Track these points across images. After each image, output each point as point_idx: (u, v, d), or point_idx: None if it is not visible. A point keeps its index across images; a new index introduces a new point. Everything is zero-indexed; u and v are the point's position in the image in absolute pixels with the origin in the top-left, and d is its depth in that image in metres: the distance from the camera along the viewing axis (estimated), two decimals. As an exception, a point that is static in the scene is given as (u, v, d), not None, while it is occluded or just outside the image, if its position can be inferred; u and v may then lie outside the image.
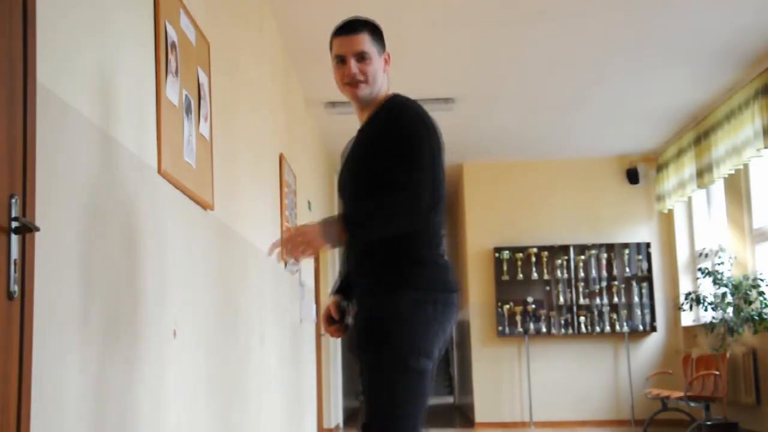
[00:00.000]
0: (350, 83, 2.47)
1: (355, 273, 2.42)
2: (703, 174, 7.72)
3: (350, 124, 9.10)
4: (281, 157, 5.34)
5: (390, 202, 2.24)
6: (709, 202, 8.48)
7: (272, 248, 2.29)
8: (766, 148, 6.30)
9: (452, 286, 2.35)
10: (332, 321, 2.52)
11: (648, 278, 9.26)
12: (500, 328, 9.28)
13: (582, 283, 9.30)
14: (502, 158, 9.42)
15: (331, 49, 2.53)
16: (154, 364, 2.48)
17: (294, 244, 2.21)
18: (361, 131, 2.49)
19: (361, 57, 2.46)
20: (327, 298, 2.94)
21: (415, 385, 2.23)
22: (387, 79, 2.51)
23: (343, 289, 2.53)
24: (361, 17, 2.53)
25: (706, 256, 8.27)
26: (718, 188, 8.01)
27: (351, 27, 2.49)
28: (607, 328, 9.20)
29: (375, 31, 2.50)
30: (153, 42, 2.58)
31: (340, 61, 2.50)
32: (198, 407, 2.98)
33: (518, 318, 9.27)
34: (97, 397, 2.00)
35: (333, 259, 9.02)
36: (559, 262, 9.32)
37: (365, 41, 2.47)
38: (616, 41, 5.97)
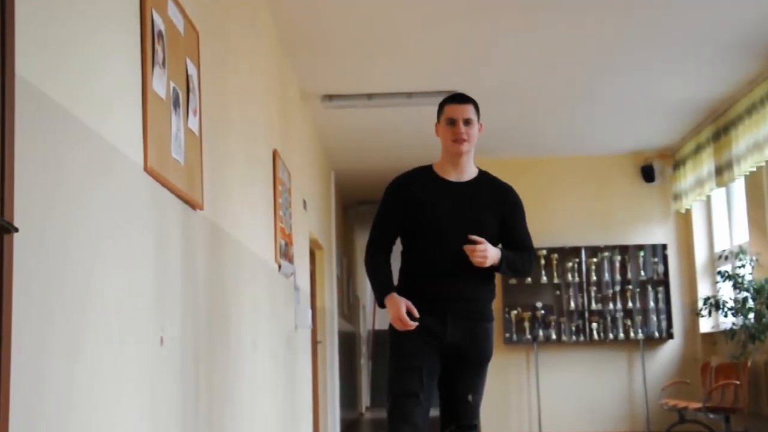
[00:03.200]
0: (457, 140, 3.50)
1: (467, 300, 3.49)
2: (722, 171, 7.73)
3: (348, 118, 9.11)
4: (275, 153, 5.35)
5: (530, 259, 3.60)
6: (729, 201, 8.49)
7: (473, 238, 3.41)
8: (789, 143, 6.30)
9: None
10: (411, 316, 3.41)
11: (664, 282, 9.27)
12: (507, 335, 9.28)
13: (594, 288, 9.31)
14: (508, 155, 9.42)
15: (441, 113, 3.59)
16: (140, 372, 2.48)
17: (481, 253, 3.38)
18: (471, 186, 3.57)
19: (467, 122, 3.53)
20: (392, 298, 3.48)
21: None
22: None
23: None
24: (467, 94, 3.65)
25: (726, 258, 8.28)
26: (738, 186, 8.01)
27: (464, 98, 3.61)
28: (621, 335, 9.21)
29: (477, 106, 3.61)
30: (139, 31, 2.59)
31: (451, 123, 3.53)
32: (187, 417, 2.99)
33: (526, 324, 9.28)
34: (77, 406, 2.00)
35: (330, 262, 9.03)
36: (570, 264, 9.33)
37: (471, 110, 3.56)
38: (630, 29, 5.97)
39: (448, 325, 3.43)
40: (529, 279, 9.27)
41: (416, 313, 3.42)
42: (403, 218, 3.55)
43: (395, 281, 3.57)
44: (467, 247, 3.39)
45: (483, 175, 3.63)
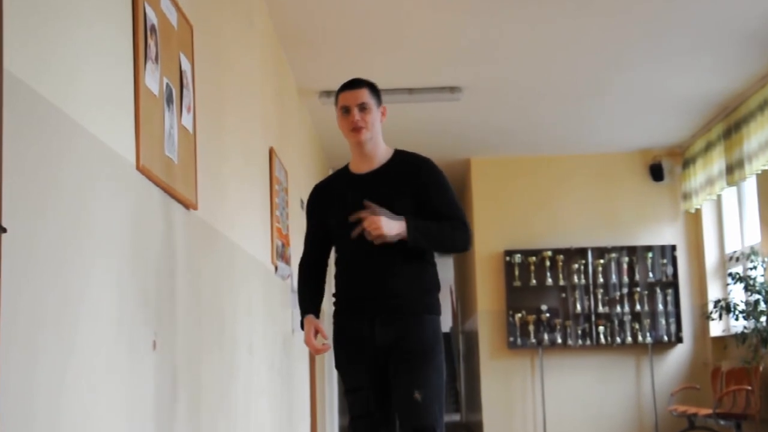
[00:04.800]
0: (354, 129, 3.29)
1: (394, 296, 3.26)
2: (733, 170, 7.73)
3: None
4: (271, 151, 5.35)
5: (456, 228, 3.27)
6: (740, 200, 8.49)
7: (355, 217, 3.17)
8: (802, 141, 6.31)
9: None
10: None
11: (673, 284, 9.27)
12: (511, 338, 9.29)
13: (601, 290, 9.31)
14: (513, 153, 9.42)
15: (336, 102, 3.36)
16: (132, 377, 2.48)
17: (371, 224, 3.13)
18: (377, 174, 3.33)
19: (363, 108, 3.30)
20: (306, 319, 3.41)
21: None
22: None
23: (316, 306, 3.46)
24: (363, 78, 3.39)
25: (737, 259, 8.28)
26: (750, 185, 8.02)
27: (356, 83, 3.34)
28: (629, 339, 9.21)
29: (373, 88, 3.37)
30: (131, 25, 2.59)
31: (345, 111, 3.32)
32: (180, 423, 2.99)
33: (531, 328, 9.28)
34: (67, 411, 2.01)
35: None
36: (576, 266, 9.33)
37: (366, 94, 3.31)
38: (637, 22, 5.97)
39: (375, 327, 3.25)
40: (534, 281, 9.28)
41: (325, 336, 3.34)
42: (318, 227, 3.46)
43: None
44: (359, 224, 3.17)
45: (396, 156, 3.39)
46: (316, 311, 3.45)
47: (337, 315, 3.41)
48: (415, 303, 3.27)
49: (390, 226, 3.14)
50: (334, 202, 3.38)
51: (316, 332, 3.32)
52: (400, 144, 3.52)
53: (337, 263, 3.43)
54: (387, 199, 3.24)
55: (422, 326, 3.25)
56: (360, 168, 3.38)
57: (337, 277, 3.43)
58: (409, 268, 3.27)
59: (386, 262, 3.24)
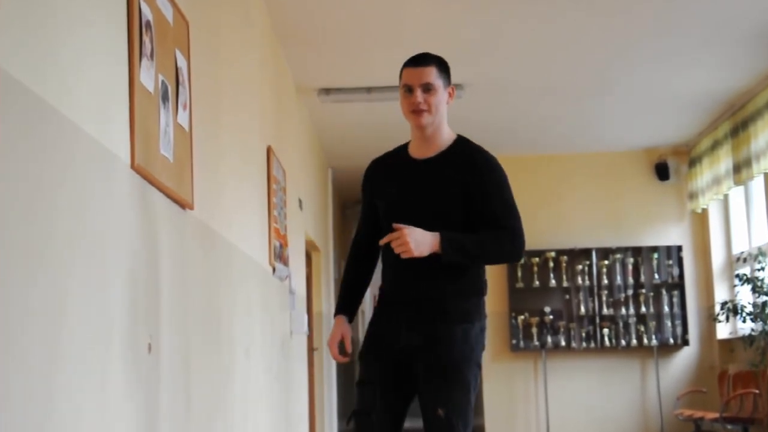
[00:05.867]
0: (415, 111, 3.12)
1: (429, 299, 3.11)
2: (741, 169, 7.73)
3: (347, 113, 9.08)
4: (269, 150, 5.35)
5: (502, 238, 3.09)
6: (747, 200, 8.49)
7: (384, 241, 3.06)
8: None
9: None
10: (344, 351, 3.20)
11: (679, 285, 9.27)
12: (514, 341, 9.29)
13: (605, 291, 9.31)
14: (515, 152, 9.42)
15: (400, 78, 3.17)
16: (126, 381, 2.48)
17: (399, 245, 2.98)
18: (432, 163, 3.16)
19: (427, 88, 3.10)
20: (338, 321, 3.29)
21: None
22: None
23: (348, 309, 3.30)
24: (431, 53, 3.20)
25: (745, 260, 8.27)
26: (758, 185, 8.01)
27: (421, 59, 3.16)
28: (634, 342, 9.21)
29: (442, 66, 3.17)
30: (126, 21, 2.58)
31: (408, 90, 3.13)
32: (175, 428, 2.98)
33: (534, 330, 9.28)
34: (57, 416, 2.00)
35: (327, 265, 9.03)
36: (580, 267, 9.33)
37: (432, 74, 3.11)
38: (643, 19, 5.97)
39: (402, 329, 3.11)
40: (537, 282, 9.29)
41: (348, 348, 3.21)
42: (369, 205, 3.32)
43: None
44: (386, 240, 3.04)
45: (457, 145, 3.20)
46: (351, 311, 3.31)
47: (376, 304, 3.28)
48: (444, 309, 3.10)
49: (421, 247, 2.98)
50: (384, 185, 3.25)
51: (343, 339, 3.22)
52: (400, 141, 3.43)
53: (382, 254, 3.26)
54: (436, 193, 3.11)
55: (450, 336, 3.06)
56: (417, 152, 3.22)
57: (383, 270, 3.27)
58: (446, 271, 3.08)
59: (422, 263, 3.04)
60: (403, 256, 2.98)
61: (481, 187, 3.10)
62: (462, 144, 3.20)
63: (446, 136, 3.20)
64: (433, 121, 3.14)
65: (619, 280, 9.31)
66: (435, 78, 3.12)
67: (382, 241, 3.08)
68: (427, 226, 3.02)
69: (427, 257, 3.01)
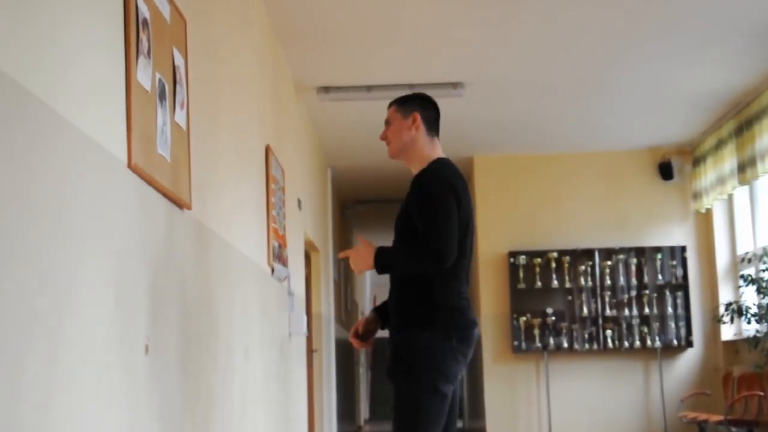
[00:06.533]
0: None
1: (391, 312, 3.39)
2: (745, 168, 7.73)
3: (346, 112, 9.09)
4: (268, 149, 5.35)
5: (409, 251, 3.30)
6: (752, 200, 8.49)
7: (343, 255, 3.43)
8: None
9: (468, 325, 3.30)
10: (357, 334, 3.48)
11: (683, 286, 9.27)
12: (516, 343, 9.28)
13: (608, 292, 9.31)
14: (517, 151, 9.42)
15: None
16: (124, 382, 2.48)
17: (351, 258, 3.36)
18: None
19: (387, 123, 3.51)
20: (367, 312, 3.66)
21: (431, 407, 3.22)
22: (429, 141, 3.48)
23: (381, 309, 3.50)
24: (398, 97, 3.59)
25: (750, 261, 8.27)
26: (763, 184, 8.01)
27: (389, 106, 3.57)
28: (637, 343, 9.21)
29: (399, 101, 3.54)
30: (122, 19, 2.58)
31: None
32: (173, 430, 2.99)
33: (536, 331, 9.28)
34: (54, 417, 2.00)
35: (327, 265, 9.03)
36: (583, 268, 9.33)
37: (390, 112, 3.52)
38: (646, 16, 5.97)
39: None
40: (539, 283, 9.29)
41: (356, 332, 3.50)
42: None
43: None
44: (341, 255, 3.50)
45: (422, 169, 3.45)
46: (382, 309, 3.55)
47: (375, 305, 3.69)
48: (397, 317, 3.35)
49: (358, 264, 3.34)
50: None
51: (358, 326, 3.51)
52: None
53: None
54: (399, 213, 3.42)
55: (394, 343, 3.30)
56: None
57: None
58: (398, 282, 3.37)
59: (392, 275, 3.40)
60: (356, 271, 3.43)
61: (411, 206, 3.34)
62: (428, 166, 3.42)
63: (421, 161, 3.44)
64: (399, 149, 3.48)
65: (622, 280, 9.31)
66: (392, 114, 3.50)
67: (340, 255, 3.52)
68: (397, 243, 3.41)
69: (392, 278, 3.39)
